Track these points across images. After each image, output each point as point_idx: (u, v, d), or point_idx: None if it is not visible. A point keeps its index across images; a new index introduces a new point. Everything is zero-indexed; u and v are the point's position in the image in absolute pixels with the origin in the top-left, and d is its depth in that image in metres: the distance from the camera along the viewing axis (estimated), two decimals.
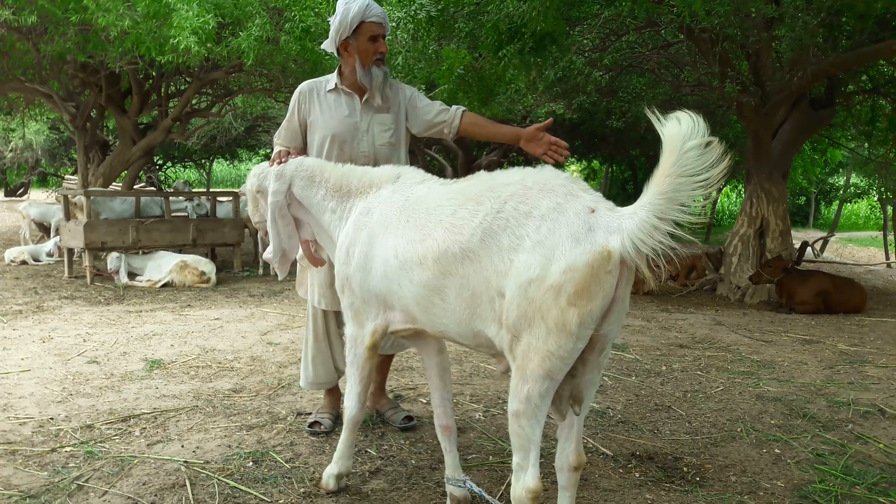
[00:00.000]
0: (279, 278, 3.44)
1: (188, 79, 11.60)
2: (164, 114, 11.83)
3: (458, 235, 2.36)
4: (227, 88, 12.49)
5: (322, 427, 3.83)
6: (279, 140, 3.79)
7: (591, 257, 2.05)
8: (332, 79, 3.71)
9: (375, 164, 3.55)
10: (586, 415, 4.23)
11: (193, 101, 12.48)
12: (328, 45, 3.67)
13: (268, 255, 3.36)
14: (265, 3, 8.51)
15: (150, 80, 11.91)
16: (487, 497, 2.85)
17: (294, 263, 3.63)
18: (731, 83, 8.27)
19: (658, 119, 2.00)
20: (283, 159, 3.39)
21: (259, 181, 3.41)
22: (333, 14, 3.58)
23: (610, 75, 9.75)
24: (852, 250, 24.20)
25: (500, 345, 2.28)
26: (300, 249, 3.49)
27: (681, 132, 1.95)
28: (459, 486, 2.85)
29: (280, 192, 3.23)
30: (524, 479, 2.20)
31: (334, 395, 4.03)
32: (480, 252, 2.28)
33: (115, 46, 8.40)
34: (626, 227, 2.04)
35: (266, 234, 3.42)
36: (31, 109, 14.19)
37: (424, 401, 4.41)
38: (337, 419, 3.91)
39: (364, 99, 3.64)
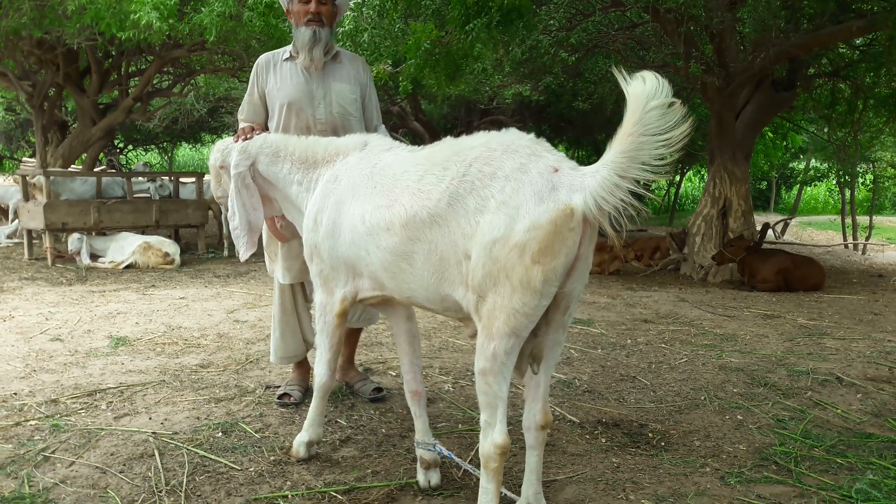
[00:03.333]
0: (242, 258, 3.39)
1: (149, 57, 11.36)
2: (124, 93, 11.60)
3: (425, 201, 2.36)
4: (189, 67, 12.26)
5: (291, 399, 3.83)
6: (242, 116, 3.80)
7: (554, 215, 2.08)
8: (288, 48, 3.74)
9: (333, 132, 3.56)
10: (553, 383, 4.29)
11: (155, 81, 12.25)
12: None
13: (233, 230, 3.32)
14: None
15: (110, 59, 11.64)
16: (456, 459, 2.88)
17: (260, 244, 3.64)
18: (696, 63, 8.37)
19: (623, 78, 2.02)
20: (248, 135, 3.38)
21: (223, 157, 3.39)
22: None
23: (577, 56, 9.79)
24: (812, 233, 24.71)
25: (467, 307, 2.30)
26: (265, 226, 3.49)
27: (644, 91, 1.97)
28: (429, 450, 2.88)
29: (242, 164, 3.21)
30: (492, 436, 2.23)
31: (303, 367, 4.02)
32: (448, 216, 2.29)
33: (72, 22, 8.18)
34: (589, 185, 2.07)
35: (228, 209, 3.41)
36: None
37: (394, 373, 4.43)
38: (306, 392, 3.92)
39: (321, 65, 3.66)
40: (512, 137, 2.32)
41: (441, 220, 2.31)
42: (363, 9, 8.23)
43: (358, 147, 2.98)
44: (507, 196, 2.15)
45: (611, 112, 13.58)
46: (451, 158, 2.38)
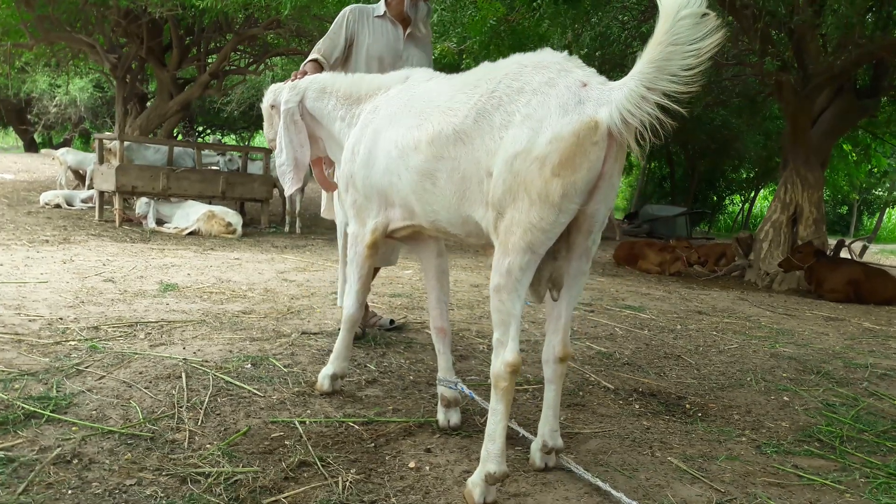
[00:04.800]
0: (287, 193, 3.45)
1: (228, 36, 11.69)
2: (202, 69, 11.95)
3: (452, 118, 2.34)
4: (265, 48, 12.55)
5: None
6: (319, 50, 3.98)
7: (577, 126, 2.01)
8: (380, 7, 4.03)
9: None
10: (592, 354, 4.18)
11: (233, 58, 12.58)
12: None
13: (279, 166, 3.35)
14: None
15: (191, 37, 12.02)
16: (478, 399, 2.82)
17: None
18: (771, 60, 8.07)
19: None
20: (298, 77, 3.45)
21: (274, 96, 3.45)
22: None
23: None
24: (894, 261, 23.55)
25: (486, 227, 2.25)
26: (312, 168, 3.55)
27: (677, 0, 1.89)
28: (451, 388, 2.81)
29: (292, 101, 3.25)
30: (503, 355, 2.16)
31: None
32: (472, 133, 2.26)
33: None
34: (615, 99, 1.99)
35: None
36: (76, 63, 14.42)
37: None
38: (364, 331, 4.13)
39: (407, 32, 4.02)
40: (545, 55, 2.27)
41: (465, 137, 2.27)
42: None
43: (400, 81, 2.96)
44: (532, 109, 2.10)
45: (686, 116, 13.24)
46: (483, 77, 2.35)
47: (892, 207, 25.90)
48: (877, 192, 29.07)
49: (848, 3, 7.37)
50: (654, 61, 1.92)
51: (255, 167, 11.47)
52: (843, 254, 10.98)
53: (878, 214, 28.23)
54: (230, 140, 30.17)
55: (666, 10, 1.90)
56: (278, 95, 3.41)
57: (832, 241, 10.83)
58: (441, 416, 2.84)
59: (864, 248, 19.03)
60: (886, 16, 8.70)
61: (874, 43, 8.28)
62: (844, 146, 18.02)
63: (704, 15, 1.88)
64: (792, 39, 8.66)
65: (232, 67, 12.86)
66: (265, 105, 3.57)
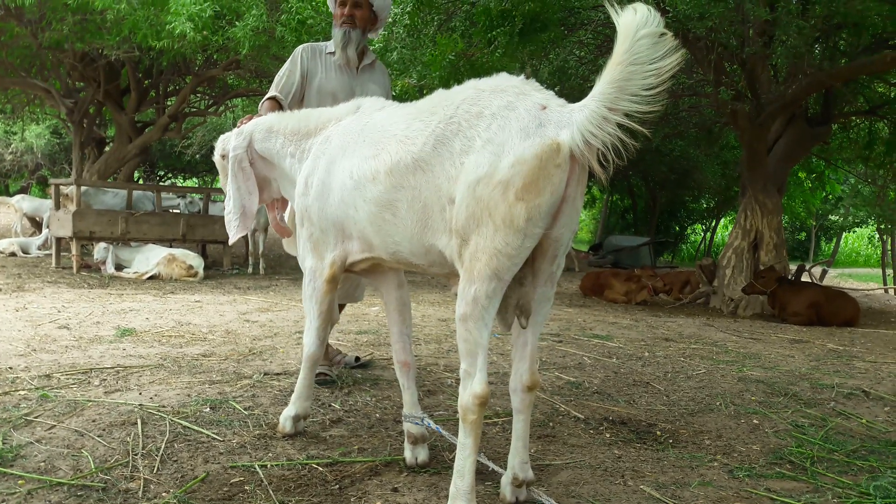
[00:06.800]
0: (231, 241, 3.35)
1: (187, 78, 11.62)
2: (161, 112, 11.85)
3: (410, 146, 2.30)
4: (225, 89, 12.50)
5: (327, 377, 3.90)
6: (276, 87, 3.91)
7: (539, 149, 1.99)
8: (330, 44, 3.99)
9: None
10: (561, 384, 4.13)
11: (192, 100, 12.50)
12: None
13: (227, 214, 3.27)
14: None
15: (150, 79, 11.93)
16: (445, 433, 2.74)
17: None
18: (726, 90, 8.25)
19: (614, 9, 1.95)
20: (244, 123, 3.39)
21: (224, 145, 3.35)
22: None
23: None
24: (852, 285, 23.97)
25: (451, 255, 2.20)
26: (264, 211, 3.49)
27: (635, 21, 1.89)
28: (417, 424, 2.74)
29: (239, 147, 3.17)
30: (472, 386, 2.09)
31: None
32: (433, 160, 2.22)
33: (112, 34, 8.42)
34: (577, 120, 1.98)
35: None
36: (32, 109, 14.20)
37: None
38: (333, 373, 4.06)
39: (361, 66, 3.97)
40: (501, 79, 2.25)
41: (425, 165, 2.23)
42: (394, 28, 8.30)
43: (351, 111, 2.92)
44: (493, 133, 2.07)
45: (641, 147, 13.43)
46: (440, 104, 2.32)
47: (848, 232, 26.50)
48: (833, 218, 29.73)
49: (796, 34, 7.58)
50: (615, 81, 1.91)
51: (217, 209, 11.32)
52: (804, 278, 11.16)
53: (835, 240, 28.92)
54: (192, 184, 29.94)
55: (624, 31, 1.90)
56: (227, 144, 3.32)
57: (792, 267, 11.01)
58: (408, 453, 2.76)
59: (824, 273, 19.39)
60: (833, 46, 8.98)
61: (822, 72, 8.52)
62: (800, 174, 18.46)
63: (662, 35, 1.89)
64: (744, 70, 8.87)
65: (192, 109, 12.78)
66: (217, 157, 3.44)
